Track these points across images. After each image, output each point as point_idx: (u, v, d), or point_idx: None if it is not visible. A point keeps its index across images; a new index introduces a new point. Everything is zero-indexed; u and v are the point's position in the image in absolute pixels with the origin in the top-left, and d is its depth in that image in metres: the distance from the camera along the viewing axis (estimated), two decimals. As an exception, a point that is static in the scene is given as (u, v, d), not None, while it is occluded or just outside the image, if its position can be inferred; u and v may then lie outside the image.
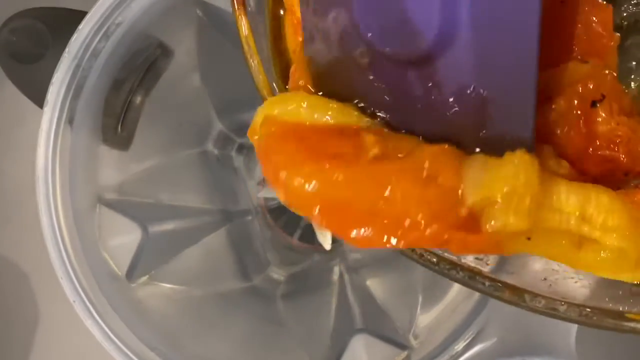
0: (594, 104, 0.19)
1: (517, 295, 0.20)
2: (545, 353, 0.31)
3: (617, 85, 0.20)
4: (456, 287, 0.36)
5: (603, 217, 0.17)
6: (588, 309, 0.20)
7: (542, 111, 0.19)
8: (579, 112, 0.19)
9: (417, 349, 0.35)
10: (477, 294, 0.33)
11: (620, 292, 0.20)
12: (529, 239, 0.18)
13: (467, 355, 0.32)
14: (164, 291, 0.39)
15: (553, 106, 0.19)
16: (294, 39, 0.22)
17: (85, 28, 0.32)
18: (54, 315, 0.46)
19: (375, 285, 0.44)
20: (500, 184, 0.17)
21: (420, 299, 0.39)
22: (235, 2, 0.22)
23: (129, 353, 0.32)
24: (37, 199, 0.33)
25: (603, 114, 0.19)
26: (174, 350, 0.34)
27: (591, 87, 0.19)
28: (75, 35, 0.32)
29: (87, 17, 0.32)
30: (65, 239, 0.33)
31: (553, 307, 0.20)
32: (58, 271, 0.33)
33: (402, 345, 0.36)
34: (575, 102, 0.19)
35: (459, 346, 0.32)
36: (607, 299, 0.20)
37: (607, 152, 0.19)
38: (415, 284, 0.40)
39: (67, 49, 0.32)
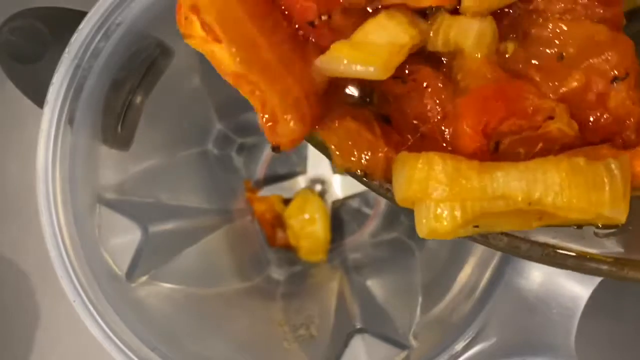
0: (615, 79, 0.18)
1: (480, 234, 0.20)
2: (544, 353, 0.31)
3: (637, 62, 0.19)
4: (456, 287, 0.36)
5: (552, 198, 0.17)
6: (550, 249, 0.20)
7: (563, 75, 0.19)
8: (596, 84, 0.18)
9: (417, 349, 0.35)
10: (477, 294, 0.33)
11: (583, 234, 0.20)
12: (476, 226, 0.18)
13: (466, 355, 0.32)
14: (164, 291, 0.39)
15: (576, 76, 0.19)
16: None
17: (85, 28, 0.32)
18: (54, 315, 0.46)
19: (375, 285, 0.44)
20: (414, 190, 0.18)
21: (420, 299, 0.39)
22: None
23: (128, 353, 0.32)
24: (37, 199, 0.33)
25: (622, 92, 0.18)
26: (174, 350, 0.34)
27: (614, 61, 0.18)
28: (75, 35, 0.32)
29: (87, 17, 0.32)
30: (65, 239, 0.33)
31: (515, 245, 0.20)
32: (58, 271, 0.33)
33: (402, 345, 0.36)
34: (594, 74, 0.18)
35: (459, 346, 0.32)
36: (570, 240, 0.20)
37: (616, 127, 0.19)
38: (415, 284, 0.40)
39: (67, 49, 0.32)
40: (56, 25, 0.33)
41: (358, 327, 0.39)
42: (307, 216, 0.48)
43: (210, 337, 0.38)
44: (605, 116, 0.19)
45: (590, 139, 0.19)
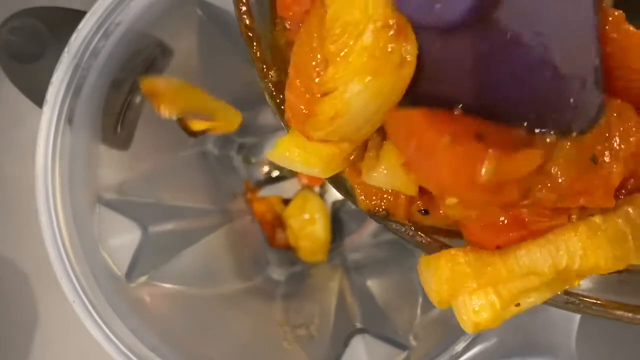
0: None
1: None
2: (545, 354, 0.31)
3: None
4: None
5: (578, 264, 0.17)
6: (574, 297, 0.20)
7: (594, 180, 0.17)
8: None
9: (417, 349, 0.35)
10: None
11: (607, 283, 0.20)
12: (518, 304, 0.18)
13: (467, 355, 0.32)
14: (164, 291, 0.38)
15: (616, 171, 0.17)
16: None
17: (84, 28, 0.32)
18: (54, 315, 0.46)
19: (375, 285, 0.44)
20: (446, 290, 0.18)
21: (420, 299, 0.39)
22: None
23: (128, 353, 0.32)
24: (36, 199, 0.33)
25: None
26: (174, 350, 0.34)
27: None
28: (74, 35, 0.32)
29: (87, 16, 0.32)
30: (64, 239, 0.33)
31: None
32: (57, 271, 0.32)
33: (402, 346, 0.36)
34: (628, 167, 0.17)
35: (459, 347, 0.32)
36: (593, 289, 0.20)
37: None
38: (416, 285, 0.40)
39: (66, 49, 0.32)
40: (56, 25, 0.33)
41: (358, 327, 0.39)
42: (307, 216, 0.48)
43: (210, 337, 0.38)
44: (630, 184, 0.18)
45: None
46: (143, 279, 0.37)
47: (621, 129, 0.17)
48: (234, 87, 0.45)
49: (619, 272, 0.19)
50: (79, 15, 0.32)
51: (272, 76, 0.21)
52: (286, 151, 0.20)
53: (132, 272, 0.36)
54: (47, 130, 0.32)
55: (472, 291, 0.17)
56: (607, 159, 0.17)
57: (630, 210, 0.17)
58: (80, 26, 0.32)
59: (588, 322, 0.31)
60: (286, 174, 0.51)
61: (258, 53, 0.21)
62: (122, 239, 0.36)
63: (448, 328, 0.34)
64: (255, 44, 0.21)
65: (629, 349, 0.41)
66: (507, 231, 0.18)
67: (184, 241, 0.42)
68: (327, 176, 0.20)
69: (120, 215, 0.36)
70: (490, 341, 0.32)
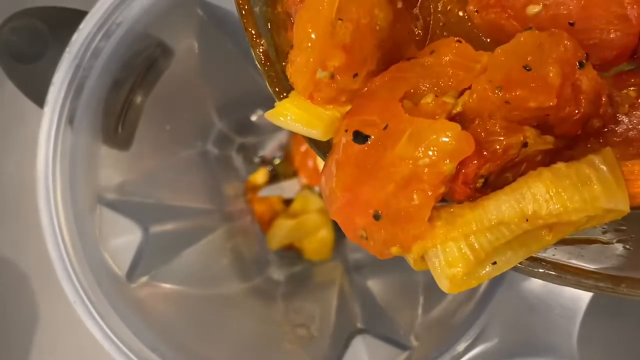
0: (581, 64, 0.18)
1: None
2: (546, 354, 0.31)
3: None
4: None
5: (545, 208, 0.17)
6: (550, 265, 0.20)
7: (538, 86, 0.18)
8: (571, 75, 0.18)
9: (418, 349, 0.35)
10: (478, 295, 0.33)
11: (582, 252, 0.20)
12: (494, 263, 0.18)
13: (468, 356, 0.32)
14: (164, 291, 0.38)
15: (550, 73, 0.17)
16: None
17: (85, 28, 0.32)
18: (54, 315, 0.46)
19: (376, 285, 0.44)
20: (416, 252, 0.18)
21: (421, 299, 0.39)
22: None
23: (129, 353, 0.32)
24: (37, 199, 0.33)
25: (589, 71, 0.18)
26: (174, 350, 0.34)
27: (572, 48, 0.17)
28: (75, 35, 0.32)
29: (88, 16, 0.32)
30: (65, 240, 0.33)
31: None
32: (58, 271, 0.32)
33: (403, 346, 0.36)
34: (563, 70, 0.17)
35: (461, 347, 0.32)
36: (569, 257, 0.20)
37: (593, 109, 0.18)
38: (417, 285, 0.40)
39: (67, 49, 0.32)
40: (56, 25, 0.33)
41: (359, 327, 0.39)
42: (308, 216, 0.48)
43: (210, 337, 0.38)
44: (583, 101, 0.18)
45: (570, 133, 0.19)
46: (144, 279, 0.37)
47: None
48: (234, 87, 0.45)
49: (578, 243, 0.19)
50: (79, 15, 0.32)
51: (263, 44, 0.21)
52: (286, 111, 0.20)
53: (133, 272, 0.36)
54: (48, 130, 0.32)
55: (443, 242, 0.17)
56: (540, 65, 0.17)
57: (596, 159, 0.17)
58: (81, 26, 0.32)
59: (589, 323, 0.31)
60: (284, 170, 0.51)
61: (250, 21, 0.21)
62: (123, 239, 0.36)
63: (449, 328, 0.34)
64: (246, 10, 0.21)
65: (629, 349, 0.41)
66: (469, 160, 0.17)
67: (185, 241, 0.42)
68: (328, 138, 0.20)
69: (121, 216, 0.36)
70: (492, 341, 0.32)
